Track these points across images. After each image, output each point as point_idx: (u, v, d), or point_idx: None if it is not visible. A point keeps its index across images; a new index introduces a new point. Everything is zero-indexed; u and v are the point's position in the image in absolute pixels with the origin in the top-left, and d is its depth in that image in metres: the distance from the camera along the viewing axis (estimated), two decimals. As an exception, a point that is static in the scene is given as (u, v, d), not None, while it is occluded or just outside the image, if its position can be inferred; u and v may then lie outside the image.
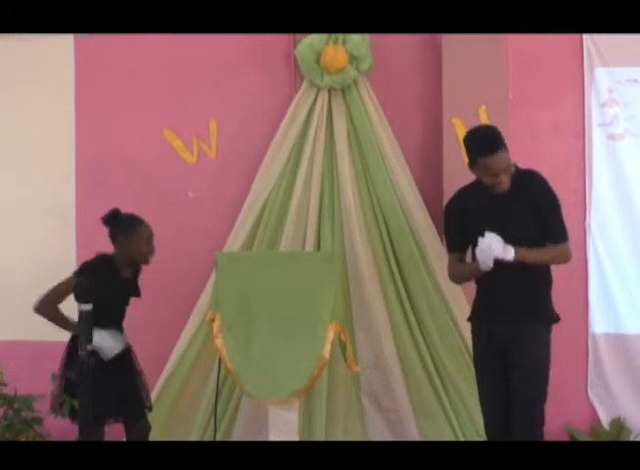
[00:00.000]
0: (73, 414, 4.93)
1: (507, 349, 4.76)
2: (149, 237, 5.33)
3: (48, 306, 5.16)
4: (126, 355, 5.33)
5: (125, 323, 5.46)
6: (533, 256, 4.62)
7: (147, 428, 5.41)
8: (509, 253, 4.54)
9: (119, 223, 5.29)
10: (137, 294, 5.45)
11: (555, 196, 4.70)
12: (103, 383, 4.64)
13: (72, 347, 5.20)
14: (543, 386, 4.68)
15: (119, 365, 5.17)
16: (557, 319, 4.80)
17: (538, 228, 4.65)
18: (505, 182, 4.69)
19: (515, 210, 4.68)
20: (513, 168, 4.70)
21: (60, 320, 5.18)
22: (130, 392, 5.28)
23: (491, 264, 4.55)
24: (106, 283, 4.95)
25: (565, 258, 4.78)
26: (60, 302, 5.18)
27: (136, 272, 5.42)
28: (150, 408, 5.50)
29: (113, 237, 5.31)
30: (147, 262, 5.37)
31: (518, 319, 4.75)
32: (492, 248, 4.53)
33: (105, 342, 5.12)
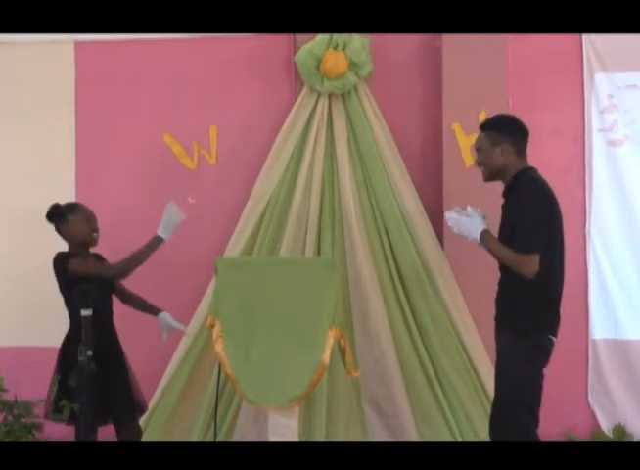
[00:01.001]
0: (72, 418, 4.90)
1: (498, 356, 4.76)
2: (87, 216, 5.26)
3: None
4: (118, 358, 5.30)
5: (127, 327, 5.45)
6: (496, 247, 4.57)
7: (137, 431, 5.39)
8: (474, 233, 4.65)
9: (57, 215, 5.24)
10: (113, 288, 5.37)
11: (530, 203, 4.51)
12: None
13: (65, 352, 5.20)
14: (511, 396, 4.53)
15: (109, 368, 5.13)
16: (527, 332, 4.55)
17: (514, 233, 4.54)
18: (477, 163, 4.79)
19: (504, 207, 4.70)
20: (493, 164, 4.69)
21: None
22: (121, 394, 5.24)
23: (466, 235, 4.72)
24: (66, 280, 4.93)
25: (526, 270, 4.48)
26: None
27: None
28: (144, 410, 5.49)
29: (57, 230, 5.27)
30: (94, 243, 5.29)
31: (496, 329, 4.76)
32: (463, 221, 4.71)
33: None
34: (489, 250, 4.63)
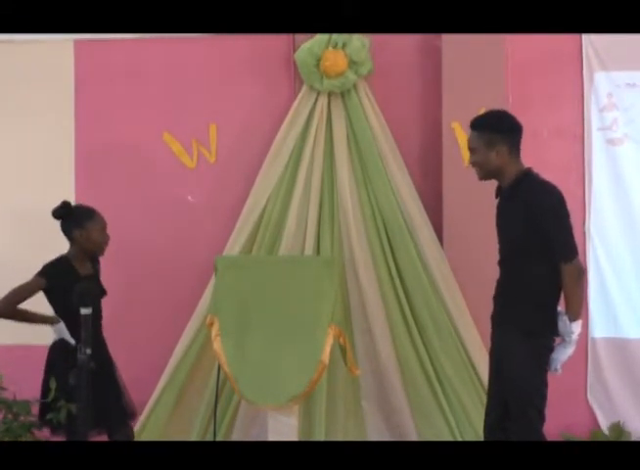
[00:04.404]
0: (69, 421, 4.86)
1: (496, 355, 4.74)
2: (103, 226, 5.27)
3: (7, 307, 5.07)
4: (106, 367, 5.29)
5: (124, 326, 5.44)
6: (578, 304, 4.58)
7: (131, 435, 5.39)
8: (575, 331, 4.57)
9: (71, 215, 5.23)
10: (102, 292, 5.33)
11: (557, 210, 4.52)
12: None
13: (54, 353, 5.20)
14: (522, 397, 4.54)
15: (99, 377, 5.12)
16: (532, 332, 4.56)
17: (526, 234, 4.52)
18: (472, 163, 4.71)
19: (506, 210, 4.66)
20: (489, 166, 4.63)
21: (23, 316, 5.12)
22: (112, 402, 5.22)
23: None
24: (67, 284, 4.89)
25: (579, 278, 4.56)
26: (20, 302, 5.10)
27: (95, 268, 5.36)
28: (133, 416, 5.47)
29: (66, 231, 5.25)
30: (102, 253, 5.30)
31: (495, 328, 4.74)
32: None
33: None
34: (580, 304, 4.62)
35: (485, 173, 4.70)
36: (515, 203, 4.58)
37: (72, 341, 5.03)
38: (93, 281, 5.25)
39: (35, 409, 5.06)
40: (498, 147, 4.59)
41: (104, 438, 5.21)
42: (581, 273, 4.58)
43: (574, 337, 4.56)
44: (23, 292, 5.11)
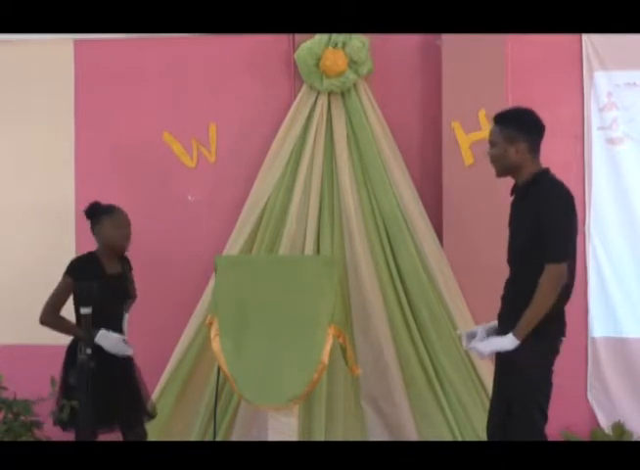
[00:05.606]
0: (72, 419, 4.87)
1: (502, 354, 4.70)
2: (120, 222, 5.34)
3: (52, 317, 5.16)
4: (125, 364, 5.29)
5: (126, 327, 5.43)
6: (534, 318, 4.38)
7: (143, 435, 5.39)
8: (510, 344, 4.43)
9: (104, 213, 5.30)
10: (129, 294, 5.40)
11: (561, 212, 4.45)
12: (98, 393, 4.60)
13: (72, 351, 5.20)
14: (528, 395, 4.48)
15: (117, 374, 5.13)
16: (540, 333, 4.43)
17: (534, 232, 4.44)
18: (490, 157, 4.64)
19: (518, 208, 4.62)
20: (507, 162, 4.56)
21: (66, 328, 5.17)
22: (128, 401, 5.23)
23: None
24: (92, 280, 4.94)
25: (554, 284, 4.38)
26: (61, 307, 5.18)
27: (125, 269, 5.42)
28: (151, 416, 5.48)
29: (98, 228, 5.31)
30: (123, 250, 5.37)
31: (502, 327, 4.67)
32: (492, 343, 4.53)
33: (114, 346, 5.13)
34: (533, 325, 4.43)
35: (502, 169, 4.63)
36: (526, 201, 4.54)
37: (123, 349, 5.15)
38: (119, 281, 5.33)
39: (36, 409, 5.07)
40: (518, 144, 4.54)
41: (107, 436, 5.21)
42: (560, 280, 4.40)
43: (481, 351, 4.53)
44: (59, 295, 5.19)
